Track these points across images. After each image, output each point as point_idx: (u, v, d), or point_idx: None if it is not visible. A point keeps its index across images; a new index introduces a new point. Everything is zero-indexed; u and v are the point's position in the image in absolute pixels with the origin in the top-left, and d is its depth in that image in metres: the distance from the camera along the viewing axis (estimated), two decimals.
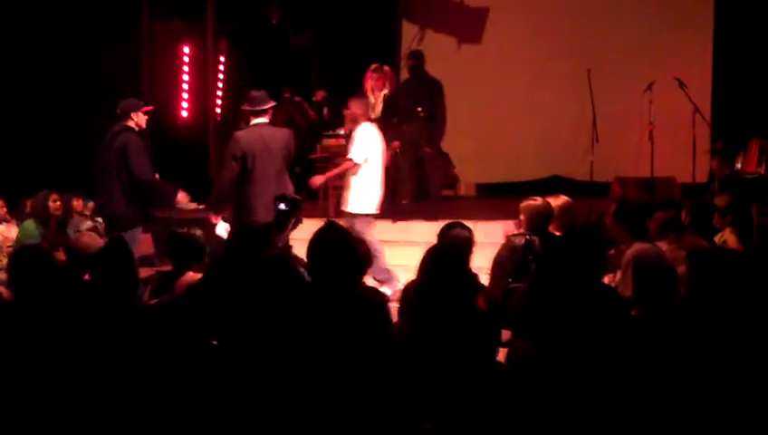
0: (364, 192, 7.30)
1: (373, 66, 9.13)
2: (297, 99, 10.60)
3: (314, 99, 10.85)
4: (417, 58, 8.87)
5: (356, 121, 7.35)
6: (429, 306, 3.58)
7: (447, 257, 4.13)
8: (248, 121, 6.83)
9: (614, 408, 3.26)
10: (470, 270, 4.29)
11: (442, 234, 5.04)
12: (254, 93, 6.76)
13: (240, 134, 6.71)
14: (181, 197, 6.69)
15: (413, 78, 8.83)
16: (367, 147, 7.31)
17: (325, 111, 10.64)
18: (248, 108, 6.75)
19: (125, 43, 10.05)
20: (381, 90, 8.97)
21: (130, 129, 6.52)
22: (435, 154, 8.88)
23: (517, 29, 11.16)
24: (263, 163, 6.56)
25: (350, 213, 7.24)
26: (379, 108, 8.88)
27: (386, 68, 9.20)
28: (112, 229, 6.36)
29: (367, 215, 7.29)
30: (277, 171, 6.64)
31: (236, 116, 11.36)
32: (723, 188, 7.80)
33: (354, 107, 7.38)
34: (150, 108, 6.80)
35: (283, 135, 6.83)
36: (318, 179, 7.59)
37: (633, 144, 9.63)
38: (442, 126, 8.76)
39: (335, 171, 7.62)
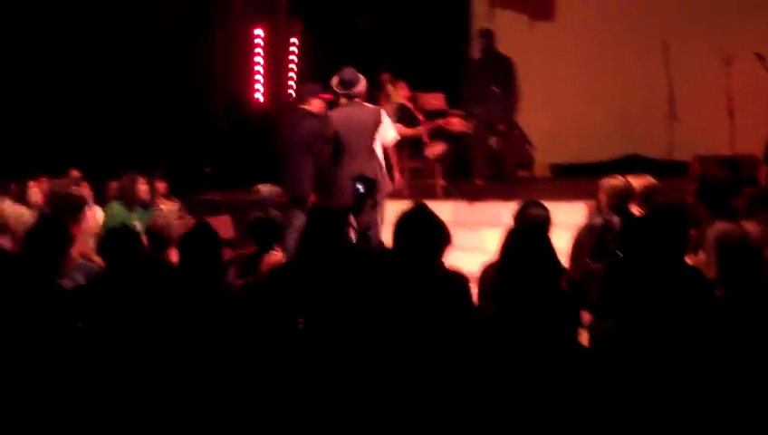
0: None
1: (386, 76, 9.40)
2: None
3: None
4: (488, 36, 8.83)
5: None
6: (513, 287, 3.59)
7: (527, 237, 4.13)
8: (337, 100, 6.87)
9: (698, 389, 3.24)
10: (552, 249, 4.28)
11: (518, 214, 5.03)
12: (346, 74, 6.70)
13: (331, 113, 6.74)
14: None
15: (485, 57, 8.79)
16: None
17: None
18: (340, 90, 6.71)
19: (198, 26, 10.20)
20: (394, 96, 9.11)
21: (312, 113, 6.81)
22: (509, 132, 8.84)
23: (590, 4, 10.98)
24: (352, 142, 6.57)
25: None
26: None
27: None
28: (292, 208, 6.82)
29: None
30: (366, 150, 6.63)
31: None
32: None
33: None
34: (329, 96, 7.03)
35: (372, 112, 6.79)
36: (398, 180, 7.41)
37: (712, 121, 9.41)
38: (514, 103, 8.72)
39: (395, 160, 7.44)
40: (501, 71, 8.57)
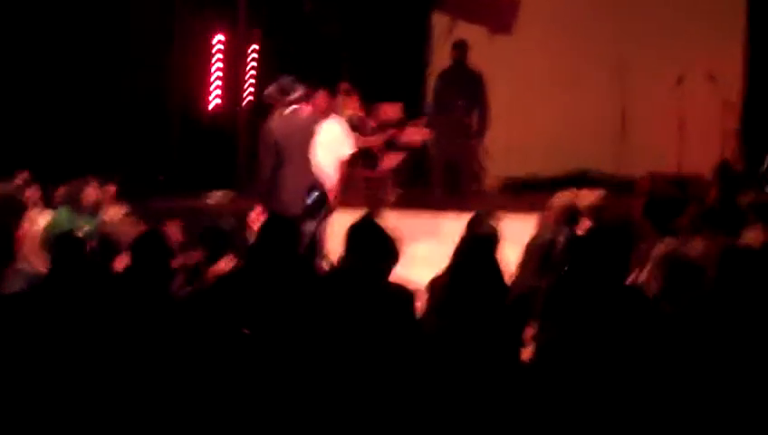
0: None
1: (345, 87, 9.24)
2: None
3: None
4: (462, 48, 8.79)
5: (326, 115, 7.31)
6: (460, 302, 3.62)
7: (476, 253, 4.18)
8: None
9: (639, 402, 3.30)
10: (498, 266, 4.33)
11: (469, 228, 5.08)
12: (283, 82, 6.73)
13: (271, 123, 6.72)
14: None
15: (455, 69, 8.75)
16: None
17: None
18: (277, 98, 6.72)
19: (157, 31, 10.14)
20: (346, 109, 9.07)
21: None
22: (469, 144, 8.81)
23: (548, 20, 11.08)
24: (293, 151, 6.58)
25: None
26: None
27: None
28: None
29: None
30: (305, 158, 6.66)
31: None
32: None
33: (322, 100, 7.30)
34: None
35: (307, 119, 6.81)
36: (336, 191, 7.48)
37: (662, 139, 9.57)
38: (485, 116, 8.70)
39: (341, 176, 7.37)
40: (470, 84, 8.56)
